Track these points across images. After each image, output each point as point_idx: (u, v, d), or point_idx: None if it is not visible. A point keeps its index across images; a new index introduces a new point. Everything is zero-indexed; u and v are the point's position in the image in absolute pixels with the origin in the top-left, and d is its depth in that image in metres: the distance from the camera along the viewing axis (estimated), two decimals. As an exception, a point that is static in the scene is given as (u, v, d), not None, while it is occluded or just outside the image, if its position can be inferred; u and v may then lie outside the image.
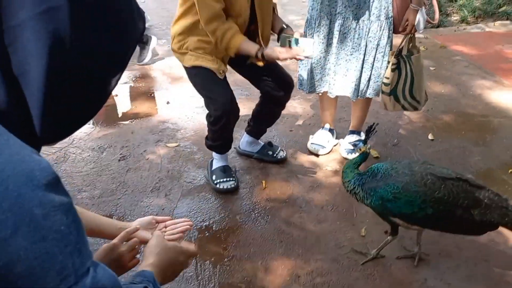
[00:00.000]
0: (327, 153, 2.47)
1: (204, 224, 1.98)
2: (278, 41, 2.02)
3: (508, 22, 4.65)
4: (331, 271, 1.74)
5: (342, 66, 2.23)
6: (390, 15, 2.12)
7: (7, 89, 0.43)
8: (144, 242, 0.97)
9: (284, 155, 2.42)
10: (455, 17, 4.82)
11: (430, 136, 2.63)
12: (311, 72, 2.27)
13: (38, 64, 0.43)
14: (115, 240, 0.92)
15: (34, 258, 0.39)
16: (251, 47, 1.85)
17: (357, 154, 1.74)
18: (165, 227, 1.12)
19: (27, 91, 0.44)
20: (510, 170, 2.30)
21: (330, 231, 1.94)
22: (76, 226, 0.44)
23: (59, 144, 2.55)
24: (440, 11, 4.81)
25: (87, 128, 2.72)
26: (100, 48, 0.47)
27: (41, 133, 0.47)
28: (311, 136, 2.55)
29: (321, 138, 2.50)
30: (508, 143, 2.55)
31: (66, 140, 2.60)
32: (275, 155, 2.40)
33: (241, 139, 2.45)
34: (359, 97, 2.29)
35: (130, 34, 0.51)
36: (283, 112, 2.33)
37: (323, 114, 2.55)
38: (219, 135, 2.08)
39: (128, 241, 0.96)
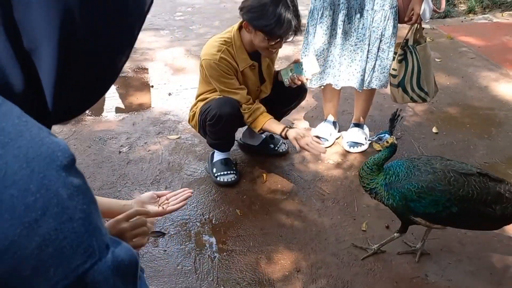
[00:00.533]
0: (329, 146, 2.45)
1: (204, 217, 1.97)
2: (277, 80, 2.15)
3: (516, 12, 4.57)
4: (331, 265, 1.73)
5: (347, 57, 2.20)
6: (394, 5, 2.08)
7: (20, 66, 0.43)
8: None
9: (286, 148, 2.40)
10: (462, 8, 4.74)
11: (434, 129, 2.59)
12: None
13: (49, 41, 0.43)
14: (120, 216, 0.91)
15: (64, 238, 0.40)
16: (274, 127, 2.01)
17: (382, 147, 1.63)
18: (167, 199, 1.15)
19: (40, 68, 0.44)
20: (515, 165, 2.27)
21: (330, 225, 1.92)
22: (94, 205, 0.45)
23: (60, 135, 2.54)
24: (447, 0, 4.73)
25: (88, 120, 2.71)
26: (107, 25, 0.47)
27: (54, 111, 0.48)
28: (313, 129, 2.52)
29: (323, 131, 2.47)
30: (513, 136, 2.52)
31: (67, 131, 2.60)
32: (276, 148, 2.37)
33: (243, 131, 2.42)
34: (364, 88, 2.26)
35: (137, 10, 0.51)
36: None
37: (326, 106, 2.52)
38: (218, 135, 2.07)
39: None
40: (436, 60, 3.50)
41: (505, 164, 2.28)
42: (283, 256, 1.77)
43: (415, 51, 2.14)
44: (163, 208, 1.15)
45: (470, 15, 4.56)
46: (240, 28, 1.95)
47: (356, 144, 2.40)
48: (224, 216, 1.98)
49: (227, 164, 2.18)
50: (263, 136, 2.40)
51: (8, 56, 0.42)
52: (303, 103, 2.84)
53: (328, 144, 2.43)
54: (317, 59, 2.11)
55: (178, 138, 2.53)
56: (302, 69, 2.01)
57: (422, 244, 1.75)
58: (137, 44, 3.88)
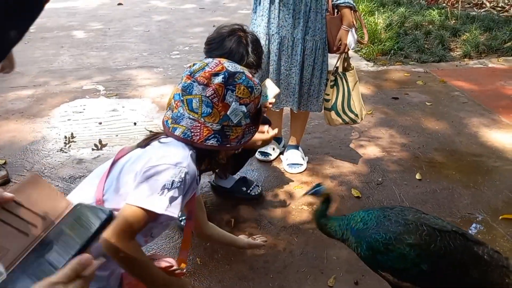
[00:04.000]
0: (273, 160, 2.62)
1: (162, 264, 1.85)
2: None
3: (512, 58, 4.52)
4: (290, 325, 1.57)
5: (283, 81, 2.34)
6: (323, 36, 2.29)
7: None
8: None
9: (259, 191, 2.29)
10: (457, 52, 4.72)
11: (417, 176, 2.47)
12: None
13: None
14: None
15: None
16: None
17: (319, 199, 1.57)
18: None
19: None
20: (500, 217, 2.12)
21: (295, 280, 1.78)
22: None
23: (30, 173, 2.49)
24: (442, 45, 4.73)
25: (61, 157, 2.65)
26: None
27: None
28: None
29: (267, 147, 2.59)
30: (501, 186, 2.37)
31: (38, 168, 2.54)
32: (249, 191, 2.27)
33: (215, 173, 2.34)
34: (300, 109, 2.43)
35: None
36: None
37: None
38: None
39: None
40: (427, 103, 3.43)
41: (489, 216, 2.14)
42: (239, 312, 1.63)
43: (345, 77, 2.35)
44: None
45: (465, 59, 4.52)
46: None
47: (295, 165, 2.53)
48: (183, 264, 1.85)
49: (193, 207, 2.07)
50: (236, 177, 2.31)
51: None
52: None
53: (271, 158, 2.60)
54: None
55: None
56: (264, 95, 1.95)
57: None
58: (129, 81, 3.90)
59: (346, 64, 2.37)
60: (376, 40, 4.81)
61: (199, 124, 1.08)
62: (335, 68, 2.37)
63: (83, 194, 1.15)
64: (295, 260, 1.88)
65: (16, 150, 2.73)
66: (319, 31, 2.27)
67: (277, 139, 2.64)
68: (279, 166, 2.59)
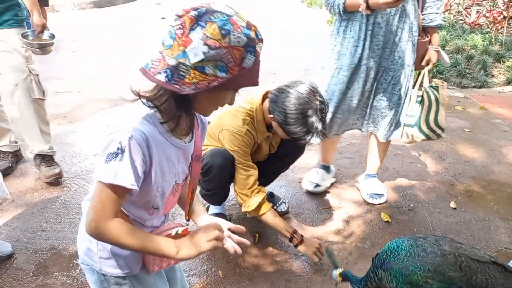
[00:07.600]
0: (323, 192, 2.46)
1: (184, 275, 1.85)
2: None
3: (561, 87, 4.31)
4: None
5: (366, 107, 2.24)
6: (411, 63, 2.14)
7: None
8: None
9: (285, 208, 2.28)
10: (500, 78, 4.55)
11: (452, 204, 2.38)
12: (332, 117, 2.20)
13: None
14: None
15: None
16: (280, 226, 1.94)
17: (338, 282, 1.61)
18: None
19: None
20: (541, 254, 1.99)
21: (317, 301, 1.74)
22: None
23: (66, 174, 2.59)
24: (484, 71, 4.58)
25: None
26: None
27: None
28: (307, 173, 2.54)
29: (316, 177, 2.48)
30: (543, 221, 2.24)
31: (75, 170, 2.64)
32: (275, 207, 2.25)
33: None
34: (385, 139, 2.30)
35: None
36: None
37: (326, 152, 2.51)
38: (209, 186, 1.98)
39: None
40: (465, 130, 3.31)
41: (529, 253, 2.01)
42: (258, 330, 1.60)
43: (434, 92, 2.20)
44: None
45: (508, 86, 4.35)
46: (262, 99, 1.89)
47: (377, 195, 2.39)
48: (205, 276, 1.86)
49: (218, 219, 2.08)
50: (263, 193, 2.29)
51: None
52: (314, 161, 2.74)
53: (321, 189, 2.45)
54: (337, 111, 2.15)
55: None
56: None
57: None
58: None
59: (429, 77, 2.24)
60: (414, 63, 4.71)
61: (161, 57, 0.94)
62: (420, 84, 2.21)
63: None
64: (318, 282, 1.84)
65: (56, 151, 2.84)
66: (408, 59, 2.10)
67: (326, 167, 2.51)
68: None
